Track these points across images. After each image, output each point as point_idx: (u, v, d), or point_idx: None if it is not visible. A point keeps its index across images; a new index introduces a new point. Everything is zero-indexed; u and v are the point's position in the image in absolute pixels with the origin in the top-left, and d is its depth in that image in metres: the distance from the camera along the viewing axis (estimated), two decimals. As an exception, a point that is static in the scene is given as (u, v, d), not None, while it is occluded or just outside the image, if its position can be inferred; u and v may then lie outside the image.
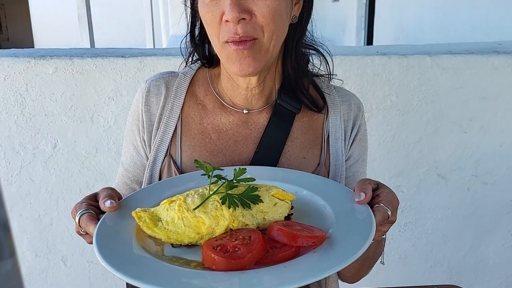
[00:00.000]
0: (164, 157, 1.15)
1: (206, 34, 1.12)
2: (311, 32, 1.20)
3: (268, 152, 1.15)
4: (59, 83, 2.00)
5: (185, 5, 1.18)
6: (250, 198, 0.84)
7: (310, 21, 1.16)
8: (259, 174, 0.97)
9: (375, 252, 1.13)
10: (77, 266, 2.22)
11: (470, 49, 2.21)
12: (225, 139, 1.16)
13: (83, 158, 2.09)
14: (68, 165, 2.10)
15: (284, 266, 0.73)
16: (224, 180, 0.87)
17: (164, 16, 11.70)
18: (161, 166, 1.15)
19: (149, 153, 1.17)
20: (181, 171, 1.14)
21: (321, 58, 1.23)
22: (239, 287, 0.70)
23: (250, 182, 0.88)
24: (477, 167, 2.25)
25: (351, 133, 1.21)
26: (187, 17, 1.18)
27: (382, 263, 1.09)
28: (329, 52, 1.23)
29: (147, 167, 1.16)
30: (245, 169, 0.88)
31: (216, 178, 0.87)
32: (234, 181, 0.87)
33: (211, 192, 0.85)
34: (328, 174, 1.19)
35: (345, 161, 1.21)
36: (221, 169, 0.90)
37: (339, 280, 1.28)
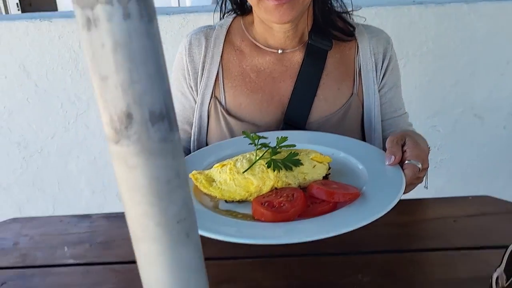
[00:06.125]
0: (210, 99, 1.21)
1: None
2: None
3: (305, 86, 1.18)
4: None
5: None
6: (292, 162, 0.88)
7: None
8: (299, 139, 1.02)
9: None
10: (131, 202, 2.33)
11: (507, -5, 2.05)
12: (263, 76, 1.20)
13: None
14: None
15: (322, 218, 0.78)
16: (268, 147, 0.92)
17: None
18: (208, 107, 1.21)
19: (197, 96, 1.23)
20: (226, 110, 1.19)
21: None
22: (284, 235, 0.76)
23: (291, 148, 0.92)
24: (514, 106, 2.15)
25: (382, 64, 1.22)
26: None
27: (426, 187, 1.08)
28: None
29: (196, 108, 1.23)
30: (287, 137, 0.92)
31: (261, 146, 0.92)
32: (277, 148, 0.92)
33: (257, 158, 0.90)
34: (363, 103, 1.21)
35: (380, 89, 1.23)
36: (265, 138, 0.94)
37: None
